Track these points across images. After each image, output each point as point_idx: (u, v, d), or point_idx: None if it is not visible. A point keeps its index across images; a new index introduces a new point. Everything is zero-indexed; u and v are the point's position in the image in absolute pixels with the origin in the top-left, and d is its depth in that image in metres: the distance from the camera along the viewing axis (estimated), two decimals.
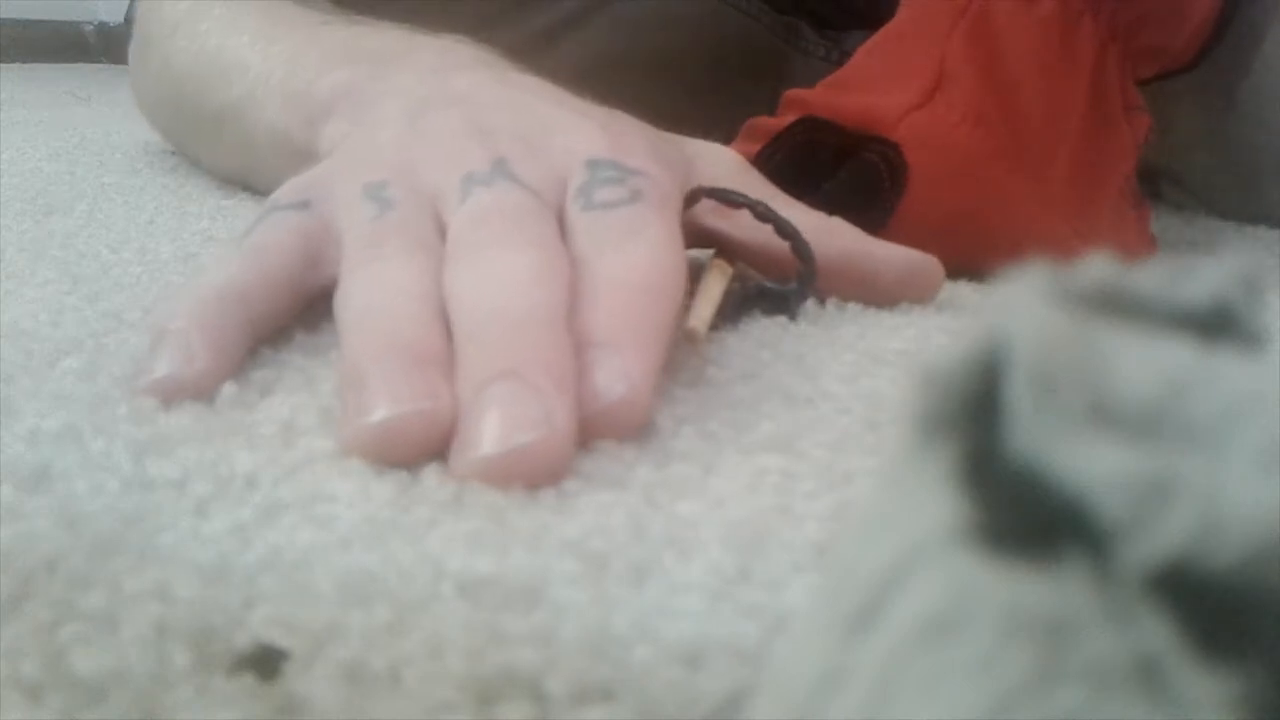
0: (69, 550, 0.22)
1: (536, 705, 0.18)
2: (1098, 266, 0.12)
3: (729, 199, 0.39)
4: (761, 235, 0.39)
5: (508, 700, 0.18)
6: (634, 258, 0.31)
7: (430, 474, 0.26)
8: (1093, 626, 0.09)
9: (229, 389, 0.29)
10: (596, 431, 0.27)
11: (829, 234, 0.40)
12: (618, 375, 0.27)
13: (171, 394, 0.29)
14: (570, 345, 0.27)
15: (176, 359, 0.29)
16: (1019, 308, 0.11)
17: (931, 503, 0.11)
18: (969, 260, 0.44)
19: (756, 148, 0.48)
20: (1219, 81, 0.66)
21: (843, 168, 0.46)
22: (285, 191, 0.36)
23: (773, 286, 0.39)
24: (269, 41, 0.50)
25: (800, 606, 0.21)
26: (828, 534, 0.24)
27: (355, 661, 0.19)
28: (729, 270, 0.38)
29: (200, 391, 0.29)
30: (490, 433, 0.25)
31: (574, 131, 0.36)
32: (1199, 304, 0.11)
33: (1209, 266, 0.12)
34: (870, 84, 0.48)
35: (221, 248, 0.44)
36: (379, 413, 0.26)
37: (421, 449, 0.26)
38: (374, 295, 0.30)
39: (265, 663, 0.19)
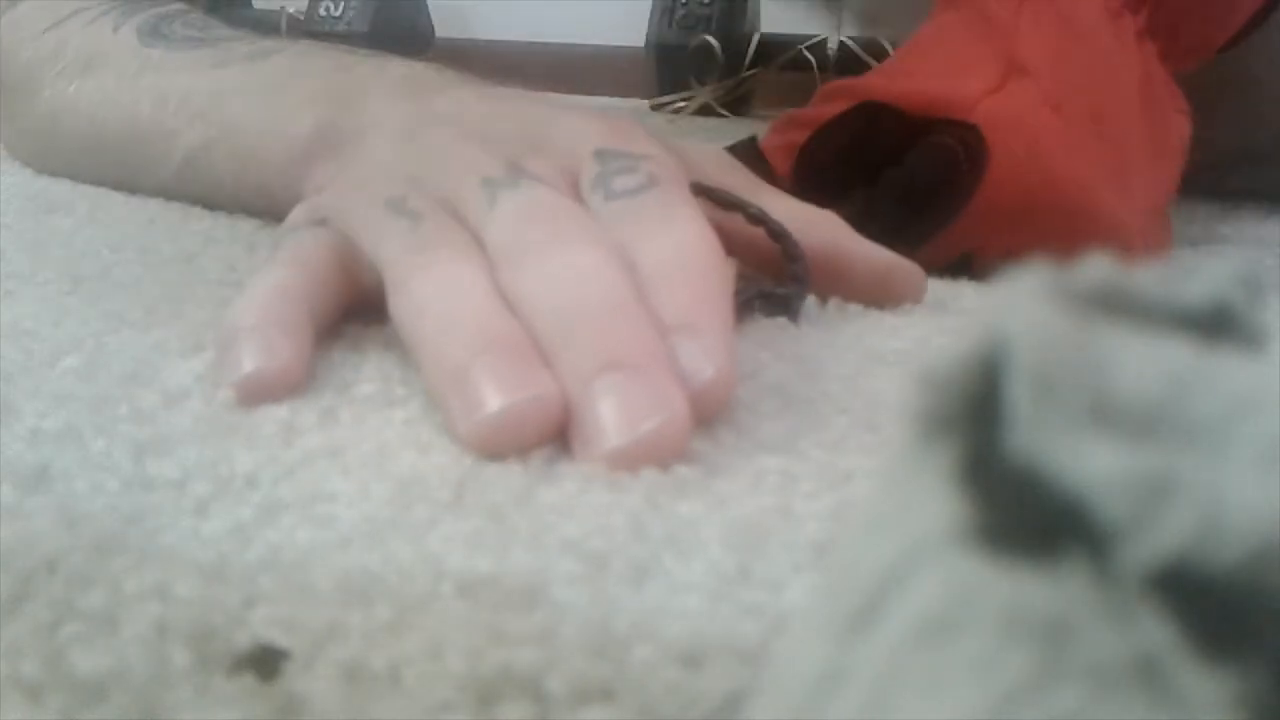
0: (69, 550, 0.22)
1: (536, 705, 0.18)
2: (1098, 266, 0.12)
3: (722, 200, 0.38)
4: (756, 232, 0.39)
5: (508, 700, 0.18)
6: (678, 240, 0.31)
7: (430, 474, 0.26)
8: (1093, 626, 0.09)
9: (227, 390, 0.29)
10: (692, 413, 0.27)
11: (812, 226, 0.39)
12: (703, 357, 0.28)
13: (259, 390, 0.29)
14: (657, 331, 0.28)
15: (259, 355, 0.29)
16: (1019, 308, 0.11)
17: (931, 503, 0.11)
18: (1038, 248, 0.44)
19: (800, 137, 0.47)
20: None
21: (909, 154, 0.45)
22: (297, 214, 0.36)
23: (772, 290, 0.38)
24: (185, 95, 0.48)
25: (800, 606, 0.21)
26: (828, 534, 0.24)
27: (355, 661, 0.19)
28: (732, 270, 0.38)
29: (287, 386, 0.29)
30: (613, 424, 0.26)
31: (571, 125, 0.36)
32: (1199, 304, 0.11)
33: (1209, 266, 0.12)
34: (933, 72, 0.47)
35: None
36: (494, 404, 0.26)
37: (537, 437, 0.26)
38: (446, 299, 0.30)
39: (265, 662, 0.19)
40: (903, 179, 0.44)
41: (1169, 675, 0.09)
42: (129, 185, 0.52)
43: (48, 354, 0.32)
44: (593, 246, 0.30)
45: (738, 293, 0.38)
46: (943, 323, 0.39)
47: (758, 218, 0.38)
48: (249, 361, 0.29)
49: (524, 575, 0.22)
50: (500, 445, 0.26)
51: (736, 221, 0.39)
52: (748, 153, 0.46)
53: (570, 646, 0.20)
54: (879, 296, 0.40)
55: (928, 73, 0.47)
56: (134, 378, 0.31)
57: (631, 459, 0.25)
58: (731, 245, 0.39)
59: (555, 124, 0.36)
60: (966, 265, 0.44)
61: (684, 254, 0.31)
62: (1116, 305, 0.11)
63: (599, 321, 0.28)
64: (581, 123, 0.36)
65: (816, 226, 0.40)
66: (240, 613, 0.20)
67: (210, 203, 0.50)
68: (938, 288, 0.43)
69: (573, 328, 0.28)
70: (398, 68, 0.44)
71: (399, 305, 0.31)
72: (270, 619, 0.20)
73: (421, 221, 0.32)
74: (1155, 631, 0.09)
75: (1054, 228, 0.44)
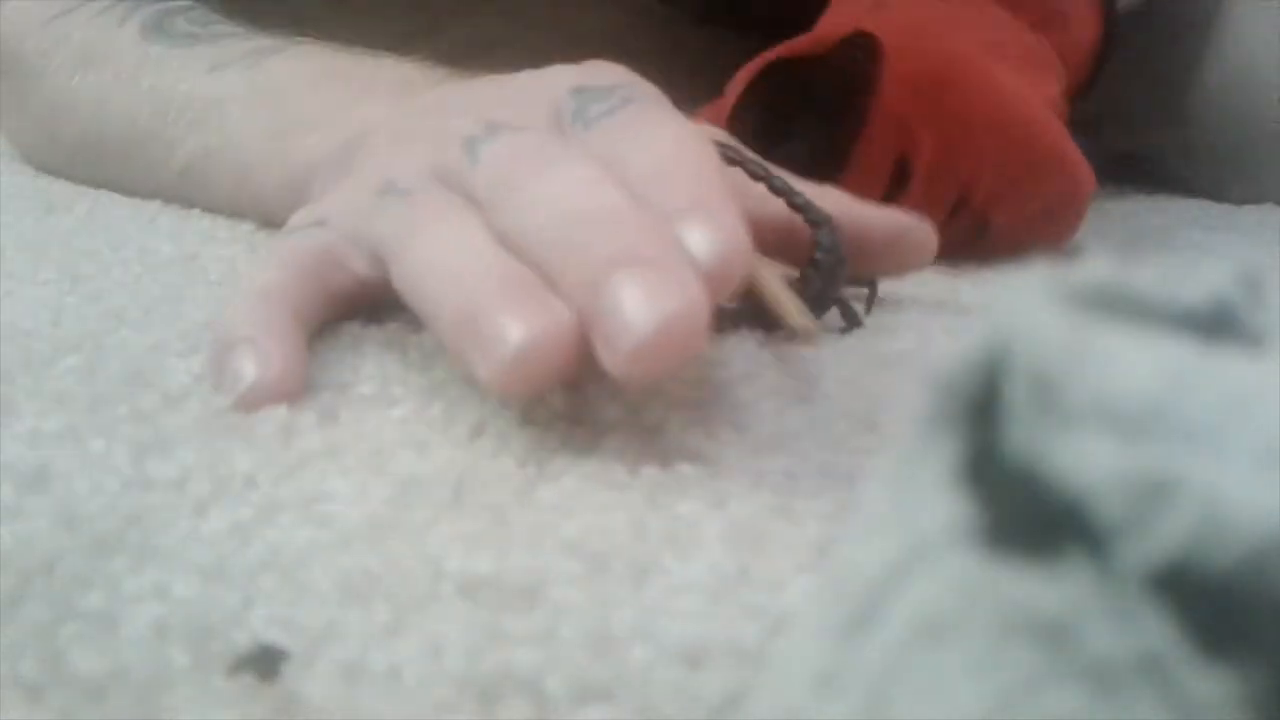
0: (69, 550, 0.22)
1: (536, 705, 0.18)
2: (1098, 267, 0.12)
3: (748, 167, 0.37)
4: (773, 209, 0.37)
5: (507, 700, 0.18)
6: (663, 139, 0.30)
7: (429, 473, 0.26)
8: (1093, 626, 0.09)
9: (226, 402, 0.29)
10: (710, 295, 0.26)
11: (820, 198, 0.39)
12: (712, 232, 0.27)
13: (259, 401, 0.29)
14: (658, 220, 0.27)
15: (256, 368, 0.29)
16: (1020, 308, 0.11)
17: (931, 503, 0.11)
18: (954, 134, 0.45)
19: (726, 108, 0.48)
20: (1177, 62, 0.67)
21: (816, 89, 0.47)
22: (297, 218, 0.37)
23: (843, 291, 0.37)
24: (185, 101, 0.48)
25: (800, 606, 0.21)
26: (828, 534, 0.24)
27: (354, 661, 0.19)
28: (763, 257, 0.37)
29: (285, 394, 0.29)
30: (635, 315, 0.25)
31: (545, 75, 0.36)
32: (1199, 304, 0.11)
33: (1209, 266, 0.12)
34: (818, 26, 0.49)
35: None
36: (514, 338, 0.26)
37: (559, 369, 0.26)
38: (445, 254, 0.30)
39: (265, 662, 0.19)
40: (813, 99, 0.45)
41: (1170, 674, 0.09)
42: (127, 186, 0.53)
43: (47, 354, 0.32)
44: (576, 163, 0.30)
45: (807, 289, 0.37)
46: (943, 323, 0.39)
47: (781, 189, 0.36)
48: (249, 374, 0.29)
49: (524, 575, 0.22)
50: (525, 383, 0.26)
51: (754, 197, 0.37)
52: None
53: (570, 646, 0.20)
54: (895, 258, 0.40)
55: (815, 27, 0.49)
56: (133, 378, 0.31)
57: (659, 352, 0.25)
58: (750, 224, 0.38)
59: (531, 79, 0.36)
60: (906, 170, 0.45)
61: (672, 151, 0.30)
62: (1116, 305, 0.11)
63: (597, 227, 0.27)
64: (556, 70, 0.36)
65: (825, 198, 0.39)
66: (240, 613, 0.20)
67: (209, 208, 0.50)
68: (938, 287, 0.43)
69: (571, 239, 0.27)
70: (390, 70, 0.44)
71: (401, 274, 0.31)
72: (270, 619, 0.20)
73: (410, 194, 0.32)
74: (1155, 631, 0.09)
75: (959, 100, 0.46)
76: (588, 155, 0.30)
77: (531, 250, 0.28)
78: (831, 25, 0.48)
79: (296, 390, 0.30)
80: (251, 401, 0.29)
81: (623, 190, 0.28)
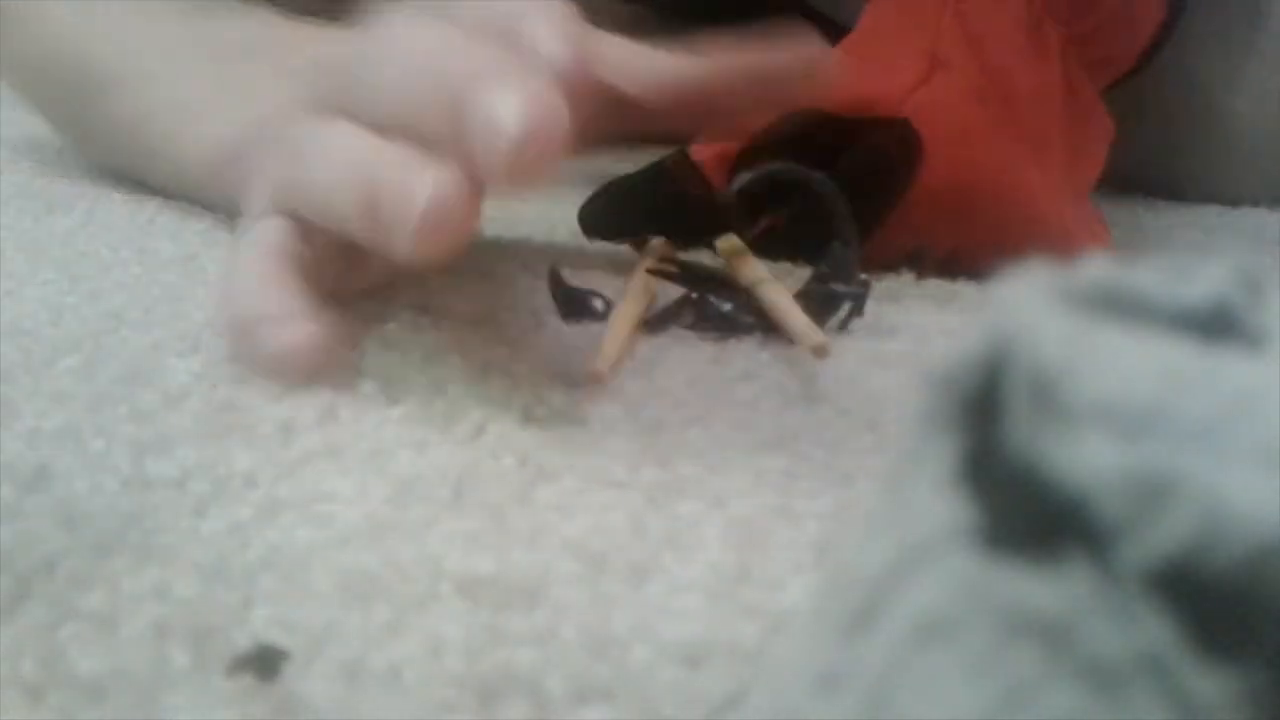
0: (68, 550, 0.22)
1: (536, 705, 0.18)
2: (1097, 266, 0.12)
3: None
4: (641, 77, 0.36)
5: (507, 700, 0.18)
6: None
7: (429, 473, 0.26)
8: (1093, 625, 0.09)
9: (226, 389, 0.29)
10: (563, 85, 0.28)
11: (704, 54, 0.37)
12: (545, 28, 0.29)
13: (292, 359, 0.29)
14: (495, 37, 0.29)
15: (288, 337, 0.30)
16: (1020, 308, 0.11)
17: (932, 503, 0.11)
18: (977, 237, 0.44)
19: (733, 147, 0.48)
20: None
21: (842, 156, 0.46)
22: (244, 224, 0.37)
23: (842, 290, 0.38)
24: (118, 62, 0.50)
25: (800, 606, 0.21)
26: (828, 534, 0.24)
27: (355, 661, 0.19)
28: (652, 295, 0.37)
29: (315, 347, 0.30)
30: (502, 117, 0.26)
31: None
32: (1199, 304, 0.11)
33: (1209, 266, 0.12)
34: (860, 72, 0.48)
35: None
36: (419, 197, 0.27)
37: (468, 218, 0.28)
38: (331, 159, 0.31)
39: (265, 662, 0.19)
40: (841, 181, 0.44)
41: (1170, 674, 0.09)
42: (88, 141, 0.55)
43: (47, 354, 0.32)
44: (407, 26, 0.31)
45: (813, 294, 0.37)
46: (942, 322, 0.39)
47: (794, 173, 0.38)
48: (269, 341, 0.29)
49: (524, 575, 0.22)
50: (441, 238, 0.27)
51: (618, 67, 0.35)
52: (680, 163, 0.46)
53: (570, 646, 0.20)
54: (798, 84, 0.39)
55: (855, 73, 0.48)
56: (133, 377, 0.31)
57: (532, 148, 0.26)
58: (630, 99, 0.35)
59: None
60: (920, 260, 0.45)
61: None
62: (1116, 305, 0.11)
63: (443, 60, 0.29)
64: None
65: (710, 50, 0.37)
66: (240, 613, 0.20)
67: (149, 174, 0.51)
68: (938, 287, 0.43)
69: (424, 84, 0.29)
70: (315, 44, 0.45)
71: (305, 198, 0.32)
72: (270, 619, 0.20)
73: (284, 132, 0.34)
74: (1156, 630, 0.09)
75: (989, 212, 0.45)
76: (418, 17, 0.32)
77: (400, 113, 0.30)
78: (876, 89, 0.46)
79: (330, 354, 0.30)
80: (285, 363, 0.29)
81: (456, 28, 0.30)
